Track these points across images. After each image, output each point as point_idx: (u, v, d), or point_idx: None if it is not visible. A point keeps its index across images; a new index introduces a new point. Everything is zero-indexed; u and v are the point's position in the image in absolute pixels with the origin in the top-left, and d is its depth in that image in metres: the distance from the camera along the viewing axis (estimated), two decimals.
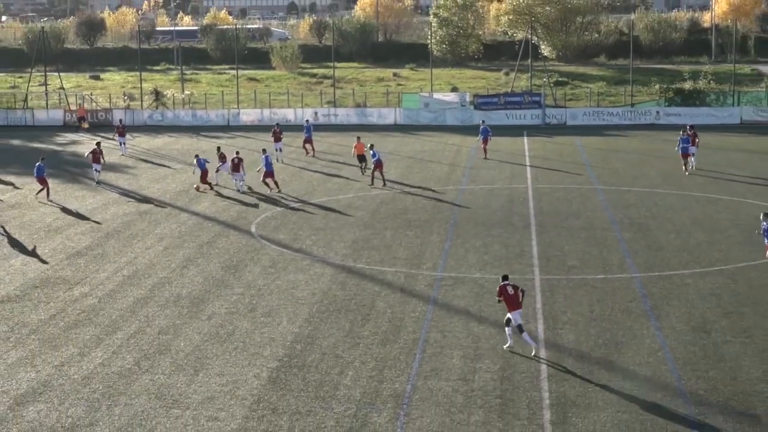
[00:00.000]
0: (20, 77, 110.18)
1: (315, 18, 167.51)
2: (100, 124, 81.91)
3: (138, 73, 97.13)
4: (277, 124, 62.37)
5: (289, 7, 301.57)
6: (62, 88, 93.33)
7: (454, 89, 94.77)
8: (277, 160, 58.06)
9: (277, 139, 60.28)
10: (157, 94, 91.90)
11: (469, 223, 42.70)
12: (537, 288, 32.76)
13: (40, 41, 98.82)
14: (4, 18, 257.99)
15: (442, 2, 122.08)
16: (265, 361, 26.19)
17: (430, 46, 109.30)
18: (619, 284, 33.22)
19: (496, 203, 47.12)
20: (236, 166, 50.59)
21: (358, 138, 57.25)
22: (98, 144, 54.30)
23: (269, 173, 50.11)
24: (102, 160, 53.63)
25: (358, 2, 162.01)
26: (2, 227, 42.61)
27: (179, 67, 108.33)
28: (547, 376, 24.97)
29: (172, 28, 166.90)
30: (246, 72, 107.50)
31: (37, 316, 30.28)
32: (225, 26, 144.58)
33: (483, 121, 64.97)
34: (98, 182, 52.87)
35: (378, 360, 26.23)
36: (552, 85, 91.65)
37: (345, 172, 56.61)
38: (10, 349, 27.39)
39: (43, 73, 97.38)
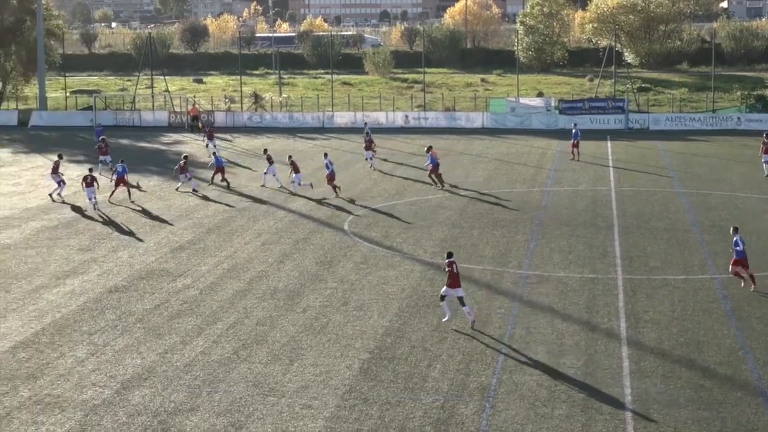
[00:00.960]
0: (129, 80, 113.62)
1: (406, 25, 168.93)
2: (203, 126, 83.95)
3: (238, 77, 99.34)
4: (367, 132, 63.07)
5: (381, 15, 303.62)
6: (167, 90, 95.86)
7: (540, 94, 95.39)
8: (371, 168, 59.07)
9: (368, 148, 60.66)
10: (256, 97, 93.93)
11: (554, 224, 43.37)
12: (620, 287, 33.34)
13: (147, 46, 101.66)
14: (114, 24, 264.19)
15: (528, 11, 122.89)
16: (357, 353, 27.22)
17: (516, 52, 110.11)
18: (700, 285, 33.65)
19: (581, 204, 47.67)
20: (296, 167, 51.37)
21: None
22: (185, 158, 54.05)
23: (330, 176, 50.78)
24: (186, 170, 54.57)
25: (447, 10, 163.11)
26: (113, 221, 44.35)
27: (277, 72, 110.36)
28: (629, 372, 25.53)
29: (270, 35, 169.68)
30: (340, 76, 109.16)
31: (142, 306, 31.77)
32: (321, 33, 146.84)
33: (575, 125, 66.03)
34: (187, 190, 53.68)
35: (465, 354, 27.09)
36: (635, 91, 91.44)
37: None
38: (118, 336, 28.83)
39: (150, 77, 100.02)
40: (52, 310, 31.34)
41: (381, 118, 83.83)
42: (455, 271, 29.20)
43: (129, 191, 49.76)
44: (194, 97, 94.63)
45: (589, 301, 31.86)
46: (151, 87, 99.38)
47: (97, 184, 48.21)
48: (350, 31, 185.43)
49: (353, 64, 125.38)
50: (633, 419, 22.82)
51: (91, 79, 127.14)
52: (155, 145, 73.92)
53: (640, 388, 24.49)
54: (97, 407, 23.55)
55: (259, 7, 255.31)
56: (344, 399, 24.04)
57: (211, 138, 67.43)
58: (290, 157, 53.07)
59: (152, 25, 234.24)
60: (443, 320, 29.69)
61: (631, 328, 29.14)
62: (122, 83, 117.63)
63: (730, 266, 33.06)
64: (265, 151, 55.82)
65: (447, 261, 29.40)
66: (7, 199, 50.21)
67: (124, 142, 74.67)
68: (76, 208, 47.85)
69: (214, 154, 56.26)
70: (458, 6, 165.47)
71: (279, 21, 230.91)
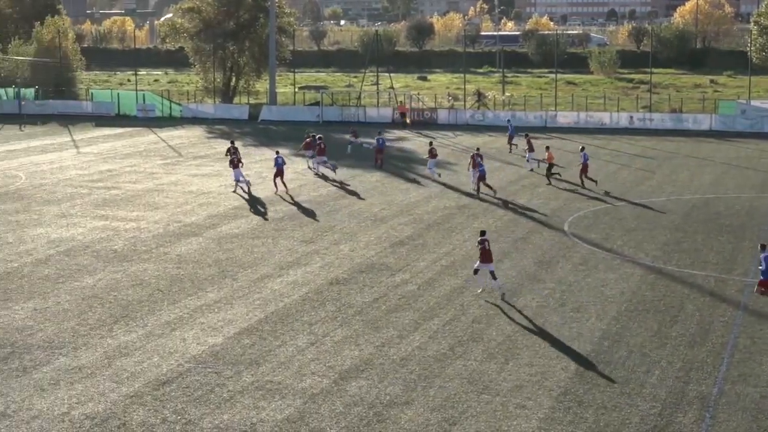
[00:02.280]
0: (355, 77, 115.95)
1: (634, 24, 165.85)
2: (425, 122, 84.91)
3: (462, 75, 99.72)
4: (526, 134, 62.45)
5: (608, 14, 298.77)
6: (392, 87, 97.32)
7: None
8: (538, 166, 58.50)
9: (531, 149, 59.63)
10: (480, 96, 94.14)
11: None
12: None
13: (374, 44, 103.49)
14: (342, 22, 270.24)
15: (764, 10, 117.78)
16: (573, 355, 26.96)
17: (749, 53, 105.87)
18: None
19: None
20: (322, 150, 55.66)
21: (548, 147, 56.87)
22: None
23: (481, 176, 50.49)
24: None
25: (677, 9, 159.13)
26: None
27: (501, 70, 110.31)
28: None
29: (495, 33, 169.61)
30: (564, 76, 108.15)
31: (361, 299, 32.36)
32: (546, 32, 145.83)
33: None
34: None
35: (685, 361, 26.41)
36: None
37: (658, 175, 56.38)
38: (337, 327, 29.46)
39: (376, 74, 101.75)
40: (275, 299, 32.33)
41: (605, 118, 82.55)
42: (487, 248, 32.30)
43: (284, 184, 51.22)
44: (418, 94, 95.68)
45: None
46: (377, 84, 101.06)
47: (242, 164, 52.92)
48: (576, 30, 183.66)
49: (578, 64, 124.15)
50: None
51: (319, 75, 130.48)
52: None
53: None
54: (315, 396, 24.15)
55: (485, 6, 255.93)
56: (559, 401, 23.84)
57: (356, 137, 67.96)
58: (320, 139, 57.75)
59: (379, 23, 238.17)
60: (477, 292, 32.65)
61: None
62: (349, 80, 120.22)
63: (756, 286, 32.12)
64: (308, 134, 60.30)
65: (480, 239, 32.51)
66: (239, 191, 52.06)
67: (348, 137, 76.14)
68: (296, 203, 49.17)
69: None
70: (689, 5, 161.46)
71: (504, 19, 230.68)
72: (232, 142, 58.13)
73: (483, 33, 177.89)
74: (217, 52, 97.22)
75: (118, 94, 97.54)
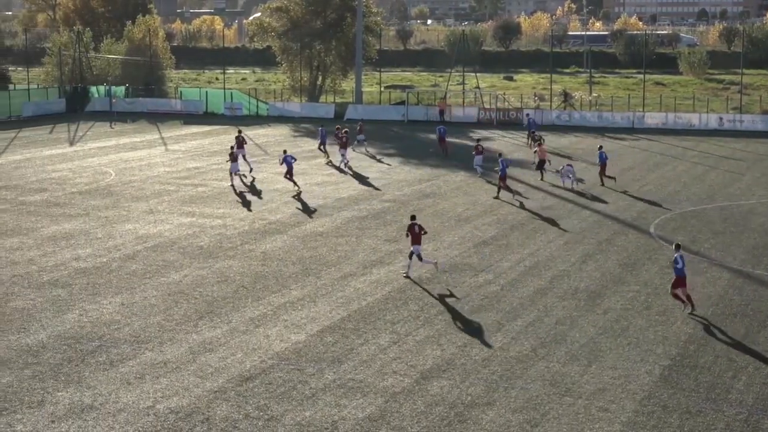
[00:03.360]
0: (441, 76, 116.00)
1: (725, 25, 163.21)
2: (510, 123, 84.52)
3: (548, 75, 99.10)
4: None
5: (699, 14, 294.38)
6: (478, 87, 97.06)
7: None
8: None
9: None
10: (566, 96, 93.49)
11: None
12: None
13: (460, 43, 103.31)
14: (429, 21, 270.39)
15: None
16: (658, 359, 26.61)
17: None
18: None
19: None
20: (344, 143, 58.81)
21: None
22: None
23: (502, 177, 49.96)
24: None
25: None
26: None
27: (588, 71, 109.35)
28: None
29: (583, 33, 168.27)
30: (653, 76, 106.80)
31: (443, 298, 32.38)
32: (635, 32, 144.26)
33: None
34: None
35: None
36: None
37: (747, 177, 55.45)
38: (419, 327, 29.46)
39: (462, 73, 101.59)
40: (358, 297, 32.46)
41: (694, 119, 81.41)
42: (416, 231, 34.35)
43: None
44: (504, 94, 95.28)
45: None
46: (462, 83, 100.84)
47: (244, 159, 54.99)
48: (665, 30, 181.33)
49: (667, 64, 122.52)
50: None
51: (405, 75, 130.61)
52: (463, 141, 74.90)
53: None
54: (397, 395, 24.19)
55: (572, 5, 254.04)
56: (642, 405, 23.57)
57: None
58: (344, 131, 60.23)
59: (466, 23, 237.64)
60: (404, 273, 34.94)
61: None
62: (434, 79, 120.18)
63: (670, 287, 31.34)
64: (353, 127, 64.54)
65: (410, 223, 34.79)
66: (321, 189, 52.40)
67: (434, 137, 76.12)
68: (386, 199, 49.30)
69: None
70: None
71: (592, 19, 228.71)
72: (240, 131, 60.85)
73: (570, 33, 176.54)
74: (304, 51, 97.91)
75: (207, 92, 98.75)
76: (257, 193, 51.41)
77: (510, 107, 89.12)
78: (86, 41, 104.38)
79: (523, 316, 30.40)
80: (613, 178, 53.04)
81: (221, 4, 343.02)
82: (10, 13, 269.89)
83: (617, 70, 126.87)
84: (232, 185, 52.78)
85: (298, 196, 50.07)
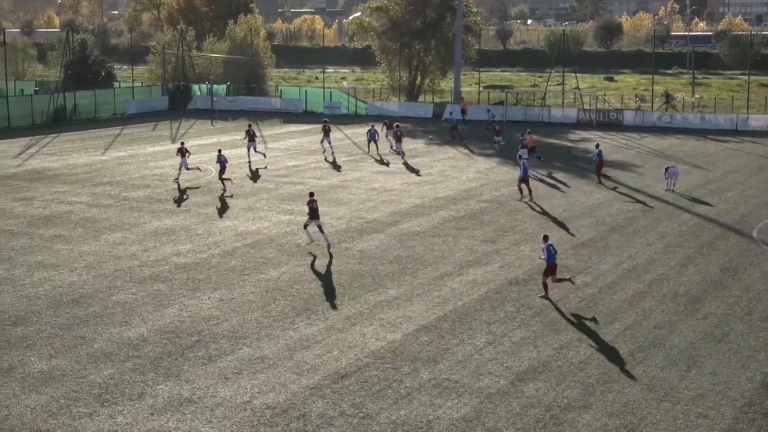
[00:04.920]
0: (540, 77, 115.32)
1: None
2: (610, 124, 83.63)
3: (650, 76, 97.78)
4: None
5: None
6: (578, 87, 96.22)
7: None
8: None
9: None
10: (668, 97, 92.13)
11: None
12: None
13: (560, 44, 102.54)
14: (529, 21, 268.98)
15: None
16: (759, 365, 26.09)
17: None
18: None
19: None
20: (399, 137, 62.80)
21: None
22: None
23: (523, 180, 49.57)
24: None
25: None
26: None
27: (691, 72, 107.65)
28: None
29: (686, 33, 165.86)
30: (758, 78, 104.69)
31: (541, 300, 32.06)
32: (740, 32, 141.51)
33: None
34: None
35: None
36: None
37: None
38: (515, 328, 29.32)
39: (561, 74, 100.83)
40: (454, 297, 32.42)
41: None
42: (314, 206, 38.98)
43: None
44: (604, 95, 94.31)
45: None
46: (562, 84, 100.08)
47: (189, 154, 55.01)
48: None
49: None
50: None
51: (504, 75, 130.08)
52: (563, 142, 74.45)
53: None
54: (492, 395, 24.10)
55: (675, 5, 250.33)
56: (743, 412, 23.15)
57: (499, 134, 68.91)
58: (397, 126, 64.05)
59: (566, 23, 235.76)
60: (306, 244, 39.21)
61: None
62: (533, 79, 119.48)
63: (543, 276, 32.47)
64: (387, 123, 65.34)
65: (309, 199, 39.38)
66: (419, 188, 52.42)
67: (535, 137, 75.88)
68: (484, 200, 49.15)
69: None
70: None
71: (696, 19, 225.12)
72: (250, 125, 62.94)
73: (673, 33, 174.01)
74: (403, 51, 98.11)
75: (306, 91, 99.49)
76: (356, 192, 51.60)
77: (610, 108, 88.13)
78: (189, 40, 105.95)
79: (621, 320, 30.05)
80: (608, 177, 53.14)
81: (321, 3, 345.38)
82: (116, 12, 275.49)
83: (721, 72, 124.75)
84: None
85: (222, 197, 50.22)
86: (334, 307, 31.33)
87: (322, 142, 65.11)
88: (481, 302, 31.87)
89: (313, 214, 39.11)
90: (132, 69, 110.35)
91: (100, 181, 54.77)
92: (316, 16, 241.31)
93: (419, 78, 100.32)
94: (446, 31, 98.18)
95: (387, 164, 60.80)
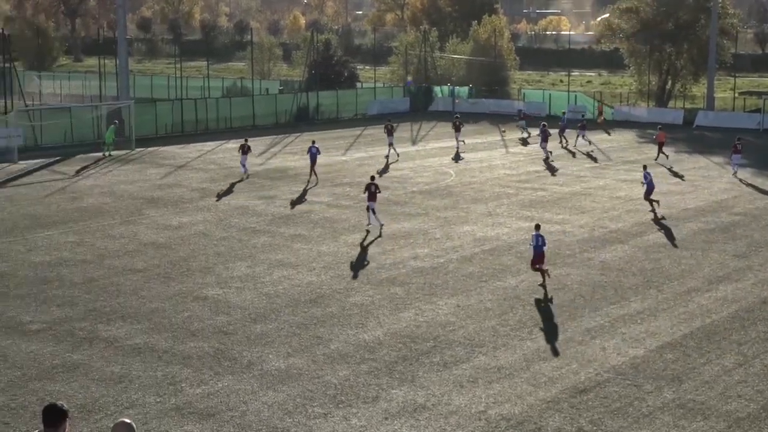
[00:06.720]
0: None
1: None
2: None
3: None
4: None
5: None
6: None
7: None
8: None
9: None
10: None
11: None
12: None
13: None
14: None
15: None
16: None
17: None
18: None
19: None
20: (545, 137, 63.66)
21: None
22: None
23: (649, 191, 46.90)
24: None
25: None
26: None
27: None
28: None
29: None
30: None
31: None
32: None
33: None
34: None
35: None
36: None
37: None
38: None
39: None
40: (702, 314, 30.86)
41: None
42: (372, 190, 41.83)
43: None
44: None
45: None
46: None
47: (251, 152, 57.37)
48: None
49: None
50: None
51: (762, 81, 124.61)
52: None
53: None
54: (741, 420, 22.65)
55: None
56: None
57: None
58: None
59: None
60: (366, 226, 42.09)
61: None
62: None
63: (531, 265, 33.90)
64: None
65: (368, 183, 42.54)
66: (666, 198, 50.40)
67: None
68: (736, 212, 46.93)
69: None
70: None
71: None
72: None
73: None
74: (653, 54, 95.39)
75: (550, 94, 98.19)
76: (599, 200, 50.27)
77: None
78: (432, 41, 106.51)
79: None
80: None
81: (568, 4, 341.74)
82: (360, 12, 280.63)
83: None
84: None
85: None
86: (573, 318, 30.37)
87: (456, 139, 69.62)
88: (731, 321, 30.20)
89: (371, 197, 42.00)
90: (374, 70, 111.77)
91: (340, 181, 55.51)
92: (562, 17, 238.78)
93: (669, 82, 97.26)
94: (700, 33, 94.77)
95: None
